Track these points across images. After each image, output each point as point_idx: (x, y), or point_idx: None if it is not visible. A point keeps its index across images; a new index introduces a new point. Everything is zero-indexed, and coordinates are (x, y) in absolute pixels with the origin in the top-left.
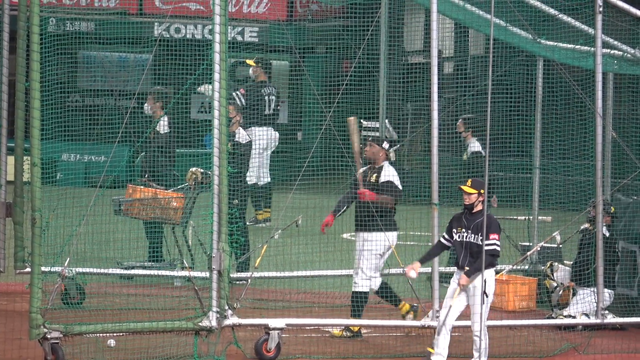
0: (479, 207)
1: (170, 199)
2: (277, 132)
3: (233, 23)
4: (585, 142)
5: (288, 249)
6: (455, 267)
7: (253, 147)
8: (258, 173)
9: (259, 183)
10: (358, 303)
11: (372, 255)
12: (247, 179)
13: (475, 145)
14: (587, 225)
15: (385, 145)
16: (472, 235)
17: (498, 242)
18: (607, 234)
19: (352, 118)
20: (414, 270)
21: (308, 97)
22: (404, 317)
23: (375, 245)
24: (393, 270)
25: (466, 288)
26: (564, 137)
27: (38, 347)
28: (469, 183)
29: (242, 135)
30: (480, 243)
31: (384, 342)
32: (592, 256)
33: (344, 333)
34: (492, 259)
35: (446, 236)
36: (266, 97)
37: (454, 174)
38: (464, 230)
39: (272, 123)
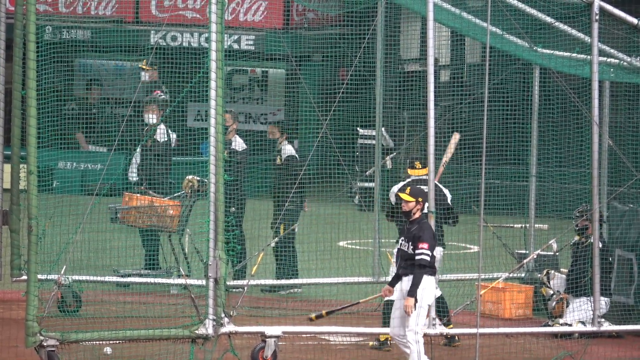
0: (416, 216)
1: (167, 207)
2: (174, 134)
3: (229, 31)
4: (581, 150)
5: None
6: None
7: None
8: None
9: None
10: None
11: None
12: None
13: (287, 149)
14: (577, 238)
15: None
16: (406, 243)
17: (427, 252)
18: (600, 245)
19: (457, 134)
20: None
21: (304, 105)
22: (376, 341)
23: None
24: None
25: (403, 294)
26: (561, 145)
27: (34, 355)
28: (407, 191)
29: (238, 143)
30: (411, 252)
31: (371, 349)
32: (588, 266)
33: (373, 343)
34: (425, 268)
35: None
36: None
37: (449, 182)
38: (402, 238)
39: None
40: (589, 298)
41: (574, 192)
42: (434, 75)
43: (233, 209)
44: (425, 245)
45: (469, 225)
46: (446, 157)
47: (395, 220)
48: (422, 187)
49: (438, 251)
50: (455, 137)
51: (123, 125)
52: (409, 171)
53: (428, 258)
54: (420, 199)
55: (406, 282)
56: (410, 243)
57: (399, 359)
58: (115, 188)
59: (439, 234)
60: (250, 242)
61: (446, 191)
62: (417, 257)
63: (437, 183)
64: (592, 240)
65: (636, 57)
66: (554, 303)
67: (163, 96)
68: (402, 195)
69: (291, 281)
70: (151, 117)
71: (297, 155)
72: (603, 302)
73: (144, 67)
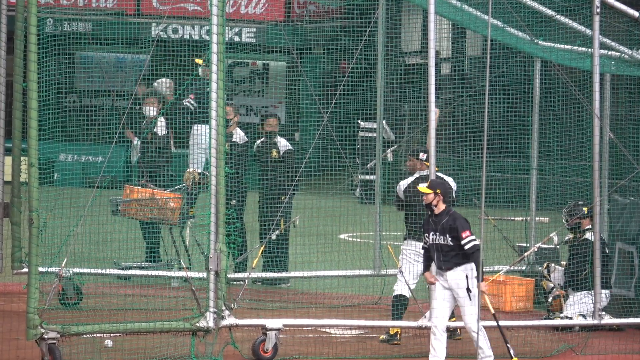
0: (440, 208)
1: (168, 200)
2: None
3: (231, 24)
4: (582, 143)
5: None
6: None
7: (191, 142)
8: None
9: None
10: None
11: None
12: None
13: (283, 143)
14: (570, 236)
15: (422, 156)
16: (441, 236)
17: (472, 237)
18: (592, 239)
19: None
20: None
21: (305, 98)
22: (386, 334)
23: (404, 252)
24: (390, 271)
25: (450, 286)
26: (562, 138)
27: (35, 347)
28: (427, 183)
29: (239, 136)
30: (451, 244)
31: (381, 343)
32: (588, 261)
33: (383, 337)
34: (478, 253)
35: (426, 239)
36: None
37: (450, 175)
38: (431, 232)
39: None
40: (589, 291)
41: (575, 185)
42: (435, 68)
43: (234, 201)
44: (468, 232)
45: (470, 218)
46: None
47: (410, 214)
48: (442, 179)
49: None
50: (436, 113)
51: (124, 118)
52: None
53: (477, 242)
54: (438, 190)
55: (451, 275)
56: (448, 235)
57: (399, 352)
58: (116, 180)
59: None
60: (251, 235)
61: (451, 181)
62: (468, 246)
63: (440, 175)
64: (586, 236)
65: (637, 50)
66: (551, 299)
67: (191, 104)
68: (421, 188)
69: (292, 274)
70: (151, 110)
71: (292, 148)
72: (603, 295)
73: (200, 62)
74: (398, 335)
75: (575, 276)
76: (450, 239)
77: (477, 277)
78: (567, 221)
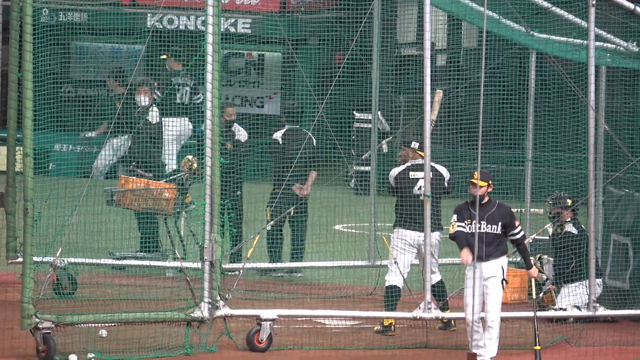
0: (487, 198)
1: (163, 190)
2: (190, 124)
3: (226, 14)
4: (577, 135)
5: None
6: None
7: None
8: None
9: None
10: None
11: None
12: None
13: (243, 134)
14: (550, 230)
15: (415, 145)
16: (488, 225)
17: (520, 227)
18: (576, 232)
19: (440, 91)
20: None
21: (301, 89)
22: (380, 326)
23: (393, 241)
24: (385, 262)
25: (484, 276)
26: (557, 129)
27: (30, 337)
28: (476, 175)
29: (242, 134)
30: (498, 232)
31: (375, 333)
32: (574, 255)
33: (377, 327)
34: (525, 242)
35: (463, 224)
36: (179, 87)
37: (445, 166)
38: (474, 221)
39: (186, 113)
40: (582, 282)
41: (570, 176)
42: (431, 59)
43: (239, 192)
44: (518, 222)
45: None
46: (433, 115)
47: (400, 203)
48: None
49: (436, 235)
50: (439, 95)
51: (119, 108)
52: None
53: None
54: (490, 182)
55: (488, 265)
56: (499, 225)
57: (394, 343)
58: (111, 170)
59: (436, 217)
60: (246, 225)
61: (443, 170)
62: (519, 235)
63: (432, 164)
64: (567, 229)
65: (632, 42)
66: (542, 294)
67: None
68: (475, 181)
69: (286, 265)
70: (143, 99)
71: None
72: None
73: (165, 57)
74: (392, 327)
75: (563, 269)
76: (499, 228)
77: (527, 264)
78: (549, 211)
